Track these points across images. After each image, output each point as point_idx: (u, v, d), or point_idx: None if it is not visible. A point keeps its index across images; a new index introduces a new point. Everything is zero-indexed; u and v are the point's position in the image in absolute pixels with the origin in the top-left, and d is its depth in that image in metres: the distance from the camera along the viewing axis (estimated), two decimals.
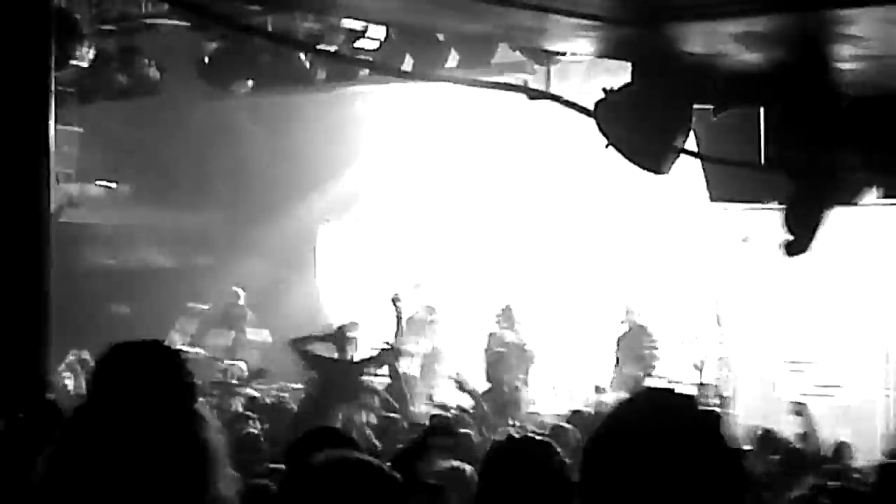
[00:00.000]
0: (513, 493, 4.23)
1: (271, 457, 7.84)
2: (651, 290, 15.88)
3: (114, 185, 18.16)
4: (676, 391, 2.70)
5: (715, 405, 14.72)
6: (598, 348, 15.62)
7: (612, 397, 13.89)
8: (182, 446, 3.23)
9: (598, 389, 13.47)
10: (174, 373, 3.36)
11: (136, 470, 3.19)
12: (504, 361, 14.14)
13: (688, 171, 9.11)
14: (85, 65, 11.14)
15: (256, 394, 13.56)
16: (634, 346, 15.06)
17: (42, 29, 6.53)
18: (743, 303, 15.15)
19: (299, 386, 13.30)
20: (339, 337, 12.51)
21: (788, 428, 11.66)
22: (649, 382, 14.69)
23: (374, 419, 11.44)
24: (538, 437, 4.58)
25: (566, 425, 10.06)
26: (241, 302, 17.20)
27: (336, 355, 12.34)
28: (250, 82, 13.75)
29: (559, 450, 4.30)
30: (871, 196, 9.11)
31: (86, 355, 14.91)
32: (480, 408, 12.22)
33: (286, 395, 13.33)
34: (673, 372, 15.00)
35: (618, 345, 15.18)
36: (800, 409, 12.12)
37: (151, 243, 18.77)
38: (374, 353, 12.61)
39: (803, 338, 14.80)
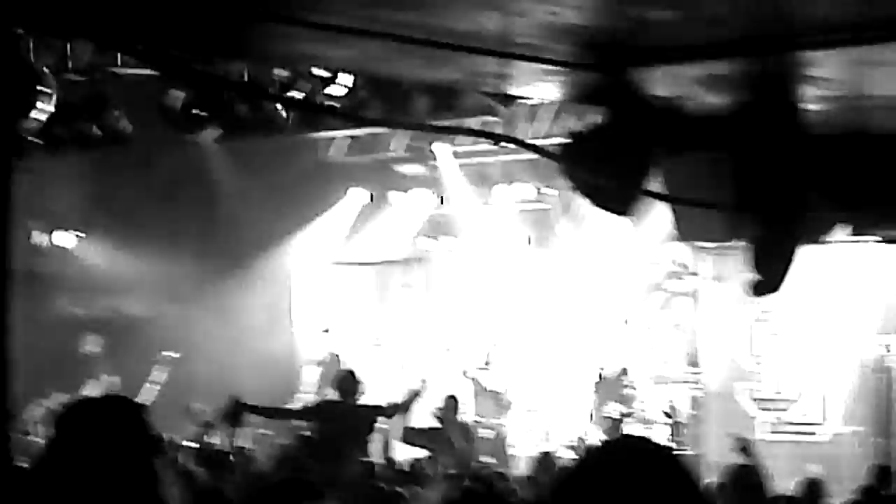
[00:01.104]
0: None
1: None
2: (626, 329, 15.91)
3: (81, 232, 18.11)
4: (647, 439, 2.69)
5: (687, 444, 14.76)
6: (575, 389, 15.61)
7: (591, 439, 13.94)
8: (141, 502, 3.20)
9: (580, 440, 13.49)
10: (135, 429, 3.33)
11: None
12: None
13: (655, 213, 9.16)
14: (46, 115, 11.11)
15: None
16: (613, 386, 15.06)
17: (7, 79, 6.50)
18: (714, 342, 15.19)
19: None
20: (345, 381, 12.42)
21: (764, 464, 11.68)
22: (627, 422, 14.70)
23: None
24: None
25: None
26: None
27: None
28: (220, 130, 13.75)
29: None
30: (840, 234, 9.17)
31: (49, 404, 14.80)
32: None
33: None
34: (649, 411, 15.02)
35: (596, 386, 15.16)
36: (745, 446, 12.09)
37: (120, 291, 18.66)
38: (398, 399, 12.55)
39: (774, 376, 14.85)
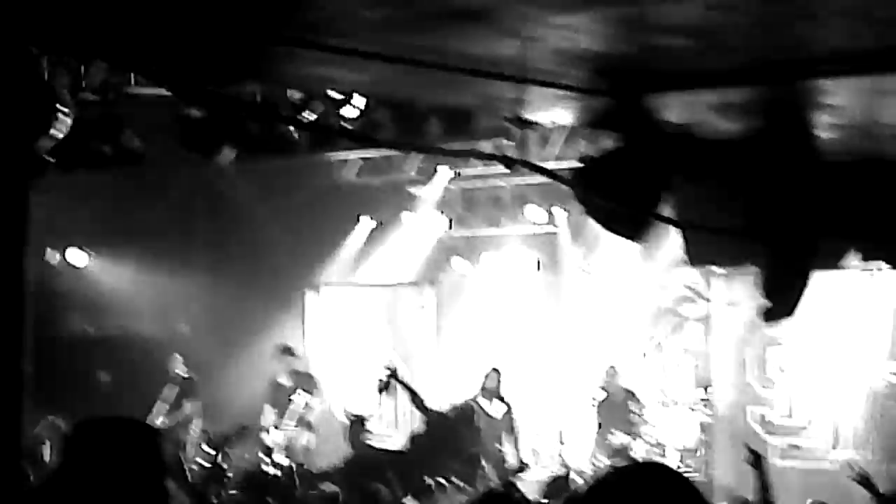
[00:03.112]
0: None
1: None
2: (632, 353, 15.89)
3: (93, 252, 18.15)
4: (662, 465, 2.70)
5: (696, 469, 14.72)
6: (579, 412, 15.57)
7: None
8: None
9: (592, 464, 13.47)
10: (145, 451, 3.31)
11: None
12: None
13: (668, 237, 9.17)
14: (63, 134, 11.14)
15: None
16: (620, 410, 15.00)
17: (25, 98, 6.54)
18: (725, 367, 15.17)
19: None
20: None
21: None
22: (636, 447, 14.66)
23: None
24: None
25: None
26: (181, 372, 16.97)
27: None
28: (234, 151, 13.77)
29: None
30: (852, 261, 9.16)
31: (59, 421, 14.80)
32: None
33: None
34: (657, 436, 14.98)
35: (598, 409, 15.10)
36: (756, 460, 11.77)
37: (131, 311, 18.69)
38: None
39: (785, 401, 14.82)
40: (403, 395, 14.37)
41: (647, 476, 2.67)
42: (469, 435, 13.40)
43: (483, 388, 14.65)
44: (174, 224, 18.07)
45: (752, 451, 10.41)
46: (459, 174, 16.44)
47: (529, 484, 12.56)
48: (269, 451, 15.24)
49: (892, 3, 4.59)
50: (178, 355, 17.00)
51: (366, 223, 17.76)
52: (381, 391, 14.26)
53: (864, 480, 10.76)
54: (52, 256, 17.52)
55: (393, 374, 14.16)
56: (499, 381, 14.74)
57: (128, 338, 18.67)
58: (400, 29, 5.26)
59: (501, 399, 14.61)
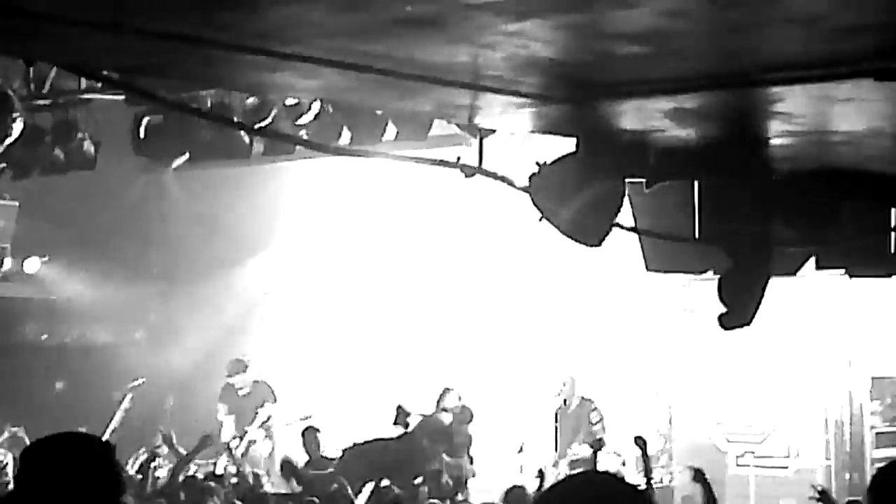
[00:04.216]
0: None
1: None
2: (591, 362, 15.88)
3: (47, 258, 17.99)
4: (612, 474, 2.70)
5: (659, 479, 14.72)
6: (538, 421, 15.56)
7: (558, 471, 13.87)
8: None
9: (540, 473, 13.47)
10: (102, 467, 3.34)
11: None
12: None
13: (625, 243, 9.14)
14: (14, 138, 11.06)
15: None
16: (580, 419, 14.98)
17: None
18: (684, 374, 15.20)
19: None
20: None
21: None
22: (598, 457, 14.65)
23: None
24: None
25: None
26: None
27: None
28: (186, 155, 13.69)
29: None
30: (807, 267, 9.19)
31: (21, 433, 14.68)
32: None
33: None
34: (616, 445, 14.97)
35: (556, 418, 15.08)
36: (697, 472, 11.60)
37: (87, 318, 18.55)
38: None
39: (744, 408, 14.86)
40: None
41: (595, 485, 2.67)
42: (434, 451, 13.44)
43: (441, 409, 14.60)
44: (128, 230, 17.95)
45: (695, 469, 10.36)
46: None
47: (486, 494, 12.55)
48: (229, 460, 15.19)
49: (844, 12, 4.60)
50: None
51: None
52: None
53: (824, 497, 10.81)
54: (7, 264, 17.37)
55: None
56: (459, 398, 14.70)
57: (83, 345, 18.53)
58: (353, 36, 5.22)
59: (464, 418, 14.56)
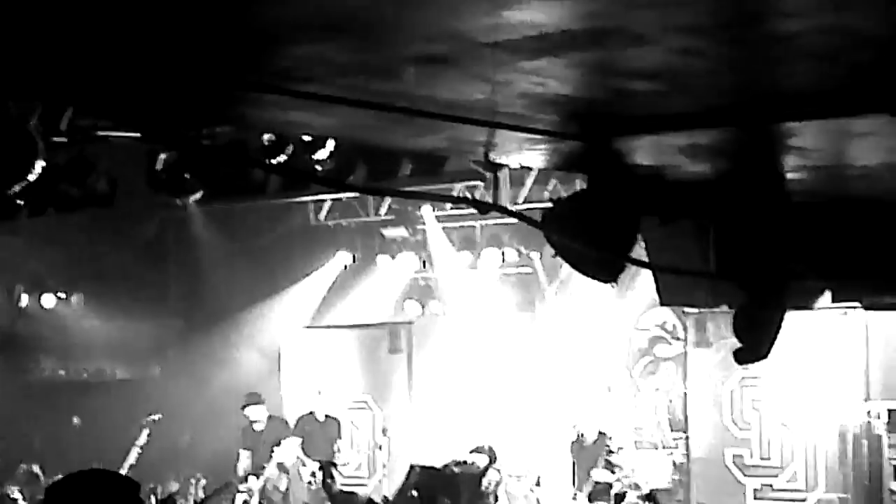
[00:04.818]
0: None
1: None
2: (604, 393, 15.87)
3: (65, 295, 18.04)
4: None
5: None
6: (555, 454, 15.53)
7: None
8: None
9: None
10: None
11: None
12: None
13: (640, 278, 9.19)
14: (34, 177, 11.09)
15: None
16: (596, 451, 14.95)
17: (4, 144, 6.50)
18: (700, 408, 15.15)
19: None
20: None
21: None
22: (617, 487, 14.61)
23: None
24: None
25: None
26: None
27: None
28: (204, 192, 13.73)
29: None
30: (823, 301, 9.17)
31: (36, 469, 14.67)
32: None
33: None
34: (632, 477, 14.93)
35: (573, 450, 15.05)
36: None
37: (104, 354, 18.59)
38: None
39: (761, 442, 14.81)
40: (382, 442, 14.34)
41: None
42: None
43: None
44: (145, 266, 18.02)
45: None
46: (440, 218, 16.50)
47: None
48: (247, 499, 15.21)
49: (857, 48, 4.61)
50: None
51: (341, 258, 17.76)
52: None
53: None
54: (21, 300, 17.41)
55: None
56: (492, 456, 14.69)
57: (100, 381, 18.56)
58: (368, 73, 5.25)
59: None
